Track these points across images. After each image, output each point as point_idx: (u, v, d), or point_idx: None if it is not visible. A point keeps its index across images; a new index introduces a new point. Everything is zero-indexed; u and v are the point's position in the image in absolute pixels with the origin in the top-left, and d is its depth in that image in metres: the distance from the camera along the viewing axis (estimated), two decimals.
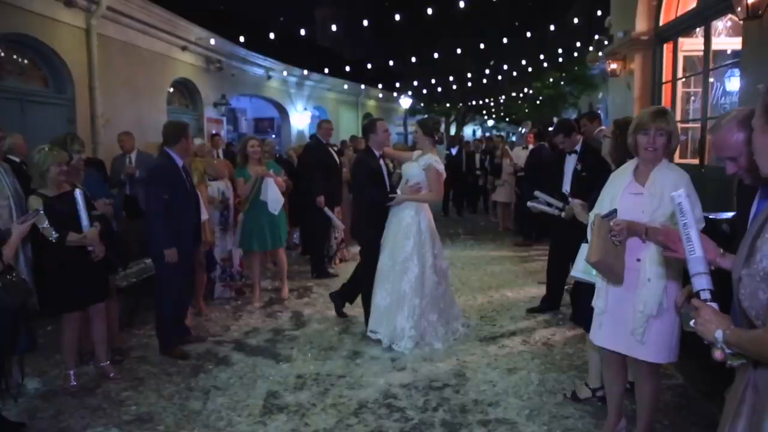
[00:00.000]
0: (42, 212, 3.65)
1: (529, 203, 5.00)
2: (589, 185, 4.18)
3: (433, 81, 21.38)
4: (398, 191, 4.89)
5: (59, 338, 4.06)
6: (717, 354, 1.52)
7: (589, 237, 2.78)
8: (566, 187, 5.12)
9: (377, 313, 4.69)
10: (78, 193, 3.79)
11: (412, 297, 4.61)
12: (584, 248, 3.18)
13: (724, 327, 1.50)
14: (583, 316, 3.34)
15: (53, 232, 3.68)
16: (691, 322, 1.60)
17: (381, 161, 5.05)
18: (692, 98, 7.84)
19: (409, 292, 4.62)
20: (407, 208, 4.74)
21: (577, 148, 5.11)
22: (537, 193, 4.94)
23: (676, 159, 3.55)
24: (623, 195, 2.75)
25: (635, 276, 2.67)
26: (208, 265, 5.62)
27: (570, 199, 3.83)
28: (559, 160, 5.28)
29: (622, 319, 2.74)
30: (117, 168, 7.22)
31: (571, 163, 5.11)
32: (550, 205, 4.74)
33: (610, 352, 2.89)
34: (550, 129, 6.97)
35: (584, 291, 3.22)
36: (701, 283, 1.64)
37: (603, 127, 6.50)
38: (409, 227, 4.69)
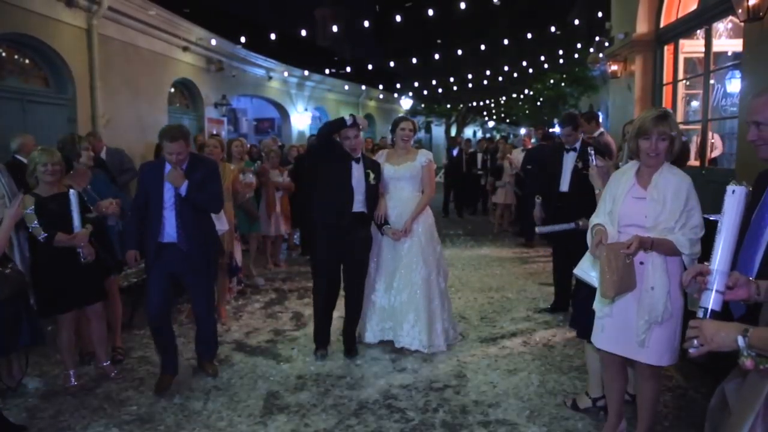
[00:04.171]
0: (31, 212, 3.65)
1: (537, 229, 5.19)
2: (589, 182, 4.19)
3: (433, 82, 21.36)
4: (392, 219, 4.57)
5: (56, 339, 4.06)
6: (747, 363, 1.42)
7: (592, 250, 2.71)
8: (564, 186, 5.14)
9: (419, 325, 4.44)
10: (72, 194, 3.77)
11: (447, 295, 4.79)
12: (588, 256, 3.14)
13: (741, 331, 1.41)
14: (579, 322, 3.31)
15: (42, 232, 3.68)
16: (693, 345, 1.51)
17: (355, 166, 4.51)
18: (692, 100, 7.85)
19: (445, 291, 4.75)
20: (424, 214, 4.66)
21: (577, 145, 5.13)
22: (539, 229, 5.12)
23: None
24: (626, 199, 2.72)
25: (639, 281, 2.63)
26: (229, 272, 5.55)
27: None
28: (556, 158, 5.28)
29: (624, 323, 2.72)
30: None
31: (569, 160, 5.13)
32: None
33: (608, 353, 2.88)
34: (551, 131, 6.99)
35: (584, 295, 3.20)
36: (704, 300, 1.60)
37: (603, 130, 6.50)
38: (432, 227, 4.74)
